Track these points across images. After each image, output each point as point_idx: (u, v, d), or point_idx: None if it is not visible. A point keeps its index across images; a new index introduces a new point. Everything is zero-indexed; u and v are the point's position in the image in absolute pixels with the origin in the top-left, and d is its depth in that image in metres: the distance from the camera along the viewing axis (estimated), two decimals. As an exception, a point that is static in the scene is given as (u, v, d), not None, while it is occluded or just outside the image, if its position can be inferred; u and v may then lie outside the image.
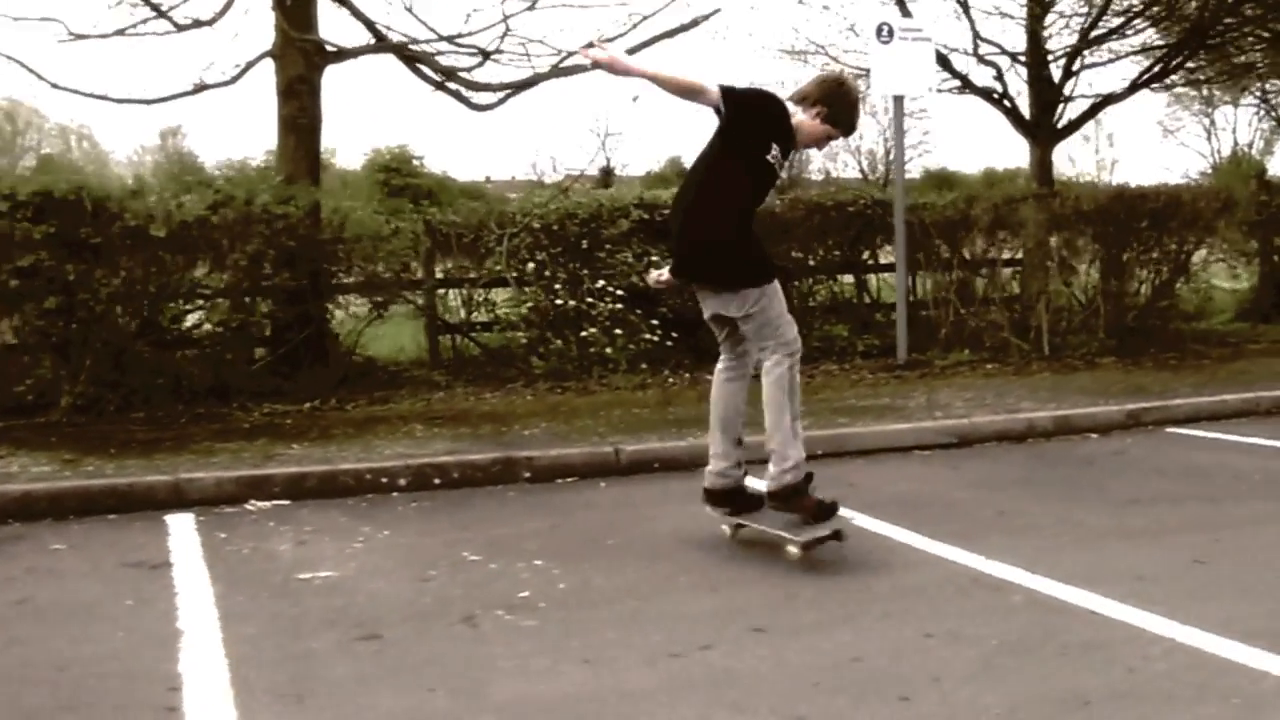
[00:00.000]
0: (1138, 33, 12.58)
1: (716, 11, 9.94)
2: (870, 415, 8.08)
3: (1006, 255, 11.64)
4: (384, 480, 6.58)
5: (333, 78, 10.22)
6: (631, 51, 10.33)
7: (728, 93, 4.85)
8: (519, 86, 10.70)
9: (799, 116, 5.05)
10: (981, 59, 12.72)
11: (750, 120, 4.90)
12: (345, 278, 9.83)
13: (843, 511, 5.63)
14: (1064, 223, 10.84)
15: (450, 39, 9.93)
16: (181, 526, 5.83)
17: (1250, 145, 40.11)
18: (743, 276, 4.95)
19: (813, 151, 18.44)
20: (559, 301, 9.99)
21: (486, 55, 10.04)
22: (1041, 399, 8.64)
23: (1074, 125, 12.74)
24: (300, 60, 9.70)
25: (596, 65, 4.94)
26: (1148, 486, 6.31)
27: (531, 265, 10.19)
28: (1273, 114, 26.78)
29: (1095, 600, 4.33)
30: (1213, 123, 41.63)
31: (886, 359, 10.75)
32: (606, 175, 39.39)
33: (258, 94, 9.73)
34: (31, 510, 6.01)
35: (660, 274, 5.49)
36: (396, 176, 36.07)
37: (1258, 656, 3.71)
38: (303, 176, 9.69)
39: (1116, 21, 12.46)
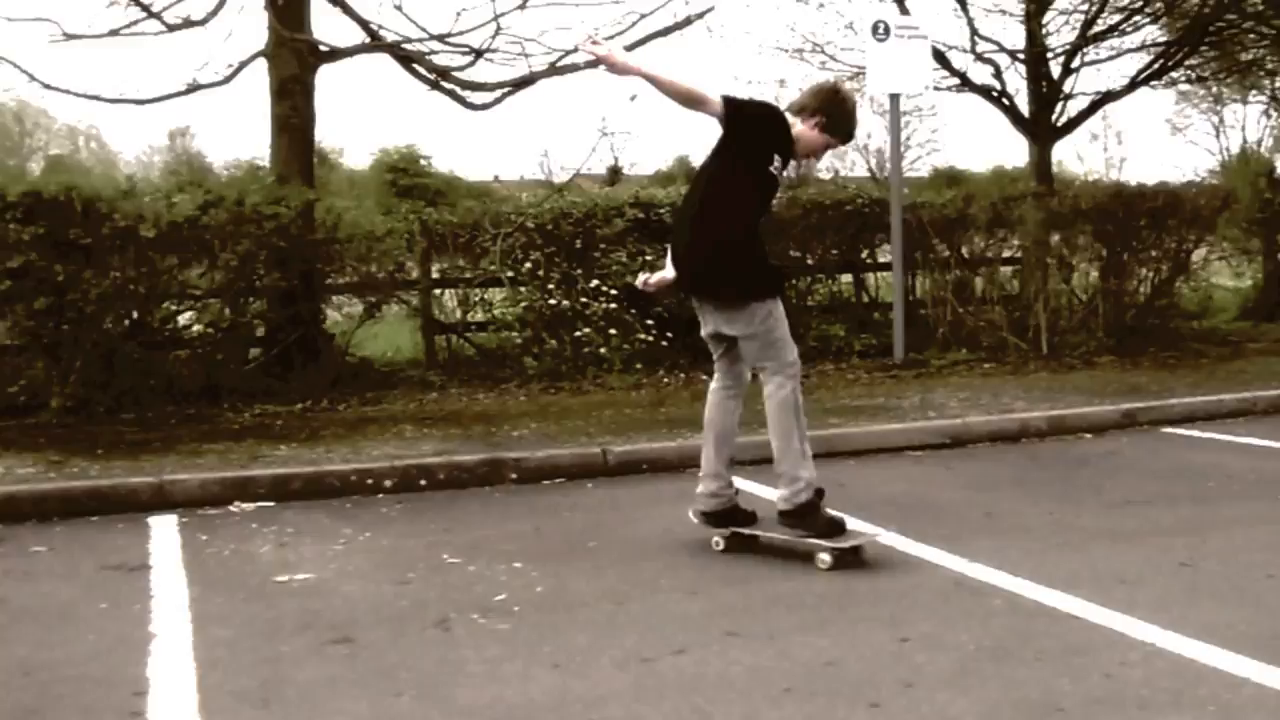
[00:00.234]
0: (1137, 29, 12.50)
1: (710, 10, 9.88)
2: (864, 415, 8.03)
3: (1005, 254, 11.57)
4: (369, 482, 6.54)
5: (338, 78, 10.23)
6: (628, 49, 10.31)
7: (731, 103, 4.78)
8: (515, 85, 10.66)
9: (798, 127, 5.00)
10: (979, 56, 12.66)
11: (753, 131, 4.85)
12: (339, 278, 9.79)
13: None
14: (1062, 221, 10.77)
15: (441, 38, 9.88)
16: (163, 528, 5.80)
17: (1259, 143, 39.92)
18: (750, 291, 4.89)
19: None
20: (553, 301, 9.94)
21: (479, 54, 10.01)
22: (1036, 399, 8.58)
23: (1073, 123, 12.66)
24: (293, 60, 9.67)
25: (595, 60, 4.86)
26: (1140, 487, 6.25)
27: (526, 265, 10.14)
28: (1282, 111, 26.59)
29: (1077, 604, 4.27)
30: (1221, 120, 41.44)
31: (883, 359, 10.70)
32: (615, 174, 39.35)
33: (264, 93, 9.70)
34: (15, 512, 5.98)
35: (650, 277, 5.42)
36: (404, 176, 36.09)
37: (1238, 663, 3.65)
38: (296, 176, 9.67)
39: (1116, 18, 12.38)
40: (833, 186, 14.52)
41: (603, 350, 9.89)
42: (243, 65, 9.67)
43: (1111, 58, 12.79)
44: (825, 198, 11.65)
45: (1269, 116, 32.01)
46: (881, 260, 11.96)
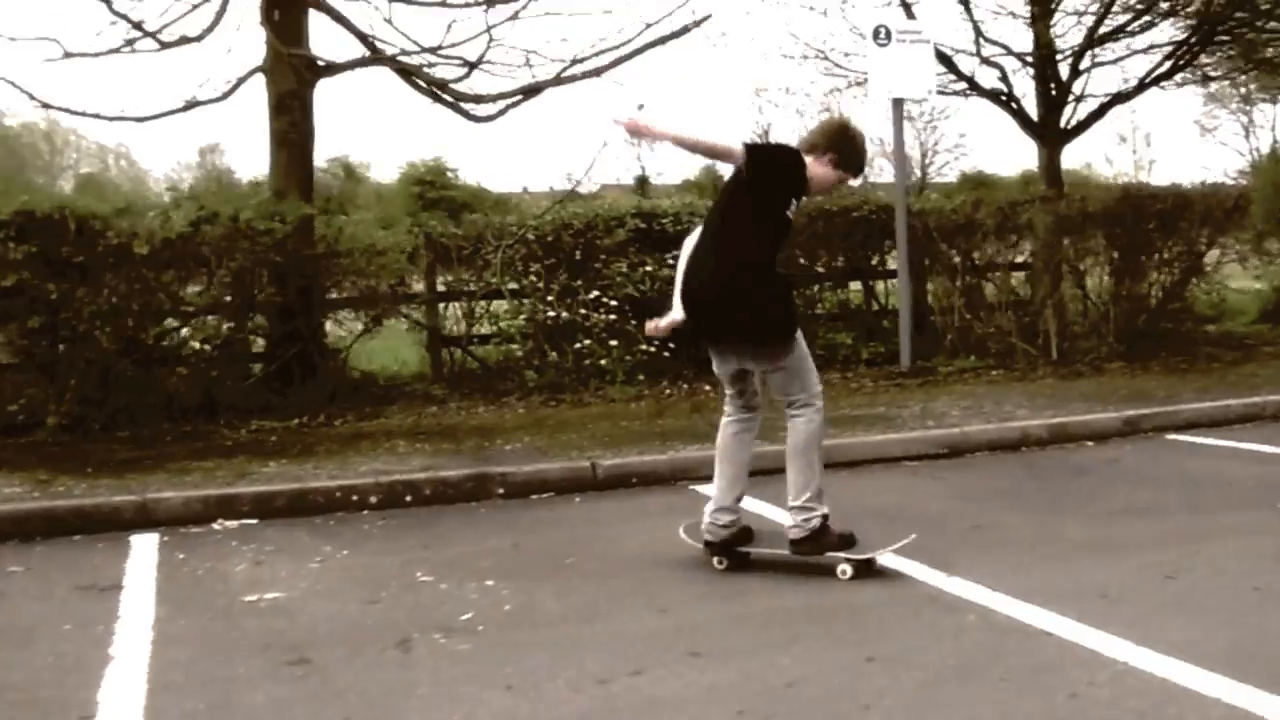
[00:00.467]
0: (1144, 29, 12.29)
1: (708, 17, 9.80)
2: (861, 425, 7.91)
3: (1015, 259, 11.41)
4: (354, 498, 6.50)
5: (360, 92, 10.18)
6: (626, 59, 10.25)
7: (753, 150, 4.74)
8: (516, 96, 10.62)
9: (810, 165, 4.92)
10: (985, 60, 12.49)
11: (776, 177, 4.80)
12: (339, 292, 9.77)
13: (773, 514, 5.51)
14: (1070, 225, 10.60)
15: (433, 50, 9.86)
16: (144, 547, 5.77)
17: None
18: (775, 332, 4.83)
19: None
20: (551, 314, 9.88)
21: (472, 66, 9.96)
22: (1040, 406, 8.43)
23: (1083, 126, 12.47)
24: (290, 75, 9.66)
25: (629, 131, 4.78)
26: (1135, 496, 6.11)
27: (528, 277, 10.10)
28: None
29: (1053, 620, 4.15)
30: (1251, 120, 40.98)
31: (891, 366, 10.57)
32: (642, 184, 39.26)
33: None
34: (-1, 532, 5.98)
35: (659, 322, 5.26)
36: (431, 189, 36.21)
37: (1211, 682, 3.52)
38: (294, 191, 9.65)
39: (1124, 18, 12.18)
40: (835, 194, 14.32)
41: (603, 362, 9.82)
42: (241, 81, 9.68)
43: (1120, 59, 12.60)
44: (831, 204, 11.52)
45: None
46: (891, 267, 11.83)
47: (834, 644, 4.02)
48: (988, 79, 12.43)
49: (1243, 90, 31.00)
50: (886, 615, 4.32)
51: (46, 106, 9.26)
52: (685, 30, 9.71)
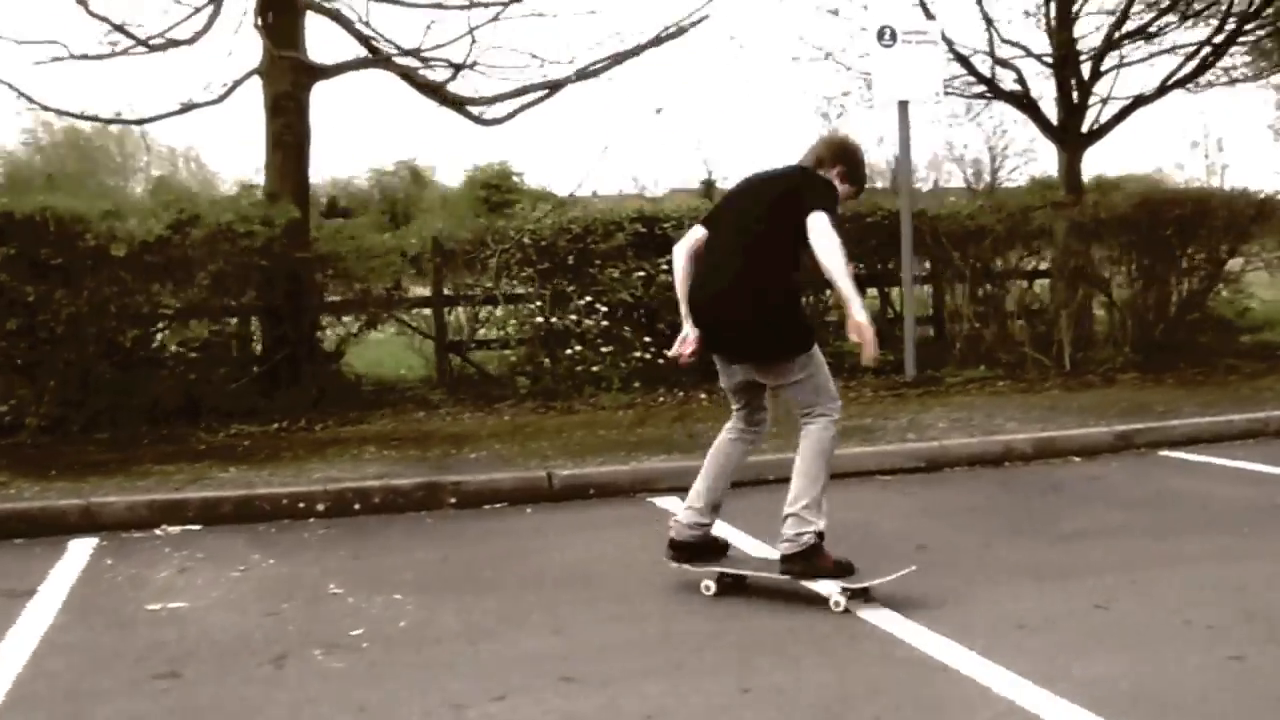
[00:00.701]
0: (1163, 32, 11.82)
1: (705, 18, 9.61)
2: (842, 438, 7.64)
3: (1032, 267, 11.05)
4: (301, 505, 6.41)
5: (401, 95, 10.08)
6: (622, 58, 10.09)
7: (830, 213, 4.48)
8: (520, 99, 10.53)
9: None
10: (1001, 61, 12.11)
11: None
12: (331, 296, 9.74)
13: (745, 544, 5.32)
14: (1085, 232, 10.23)
15: (414, 52, 9.78)
16: (78, 552, 5.74)
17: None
18: (792, 349, 4.64)
19: (918, 163, 18.21)
20: (539, 319, 9.76)
21: (458, 68, 9.87)
22: (1034, 419, 8.12)
23: (1105, 129, 12.04)
24: (285, 77, 9.66)
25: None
26: (1103, 517, 5.81)
27: (523, 283, 9.98)
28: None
29: (956, 653, 3.91)
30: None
31: (896, 376, 10.28)
32: (708, 187, 39.03)
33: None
34: (-56, 534, 5.98)
35: (684, 349, 4.82)
36: (496, 193, 36.43)
37: (1094, 726, 3.28)
38: (288, 193, 9.64)
39: (1148, 16, 11.74)
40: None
41: (596, 369, 9.66)
42: (237, 84, 9.69)
43: (1145, 58, 12.13)
44: (843, 210, 11.23)
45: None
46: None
47: (714, 673, 3.83)
48: (1008, 81, 12.06)
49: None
50: (784, 643, 4.11)
51: (44, 109, 9.32)
52: (681, 31, 9.52)
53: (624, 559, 5.31)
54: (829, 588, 4.49)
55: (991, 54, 11.94)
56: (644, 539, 5.50)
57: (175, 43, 9.12)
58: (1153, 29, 11.77)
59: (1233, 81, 12.28)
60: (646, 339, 9.91)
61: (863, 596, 4.52)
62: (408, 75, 10.24)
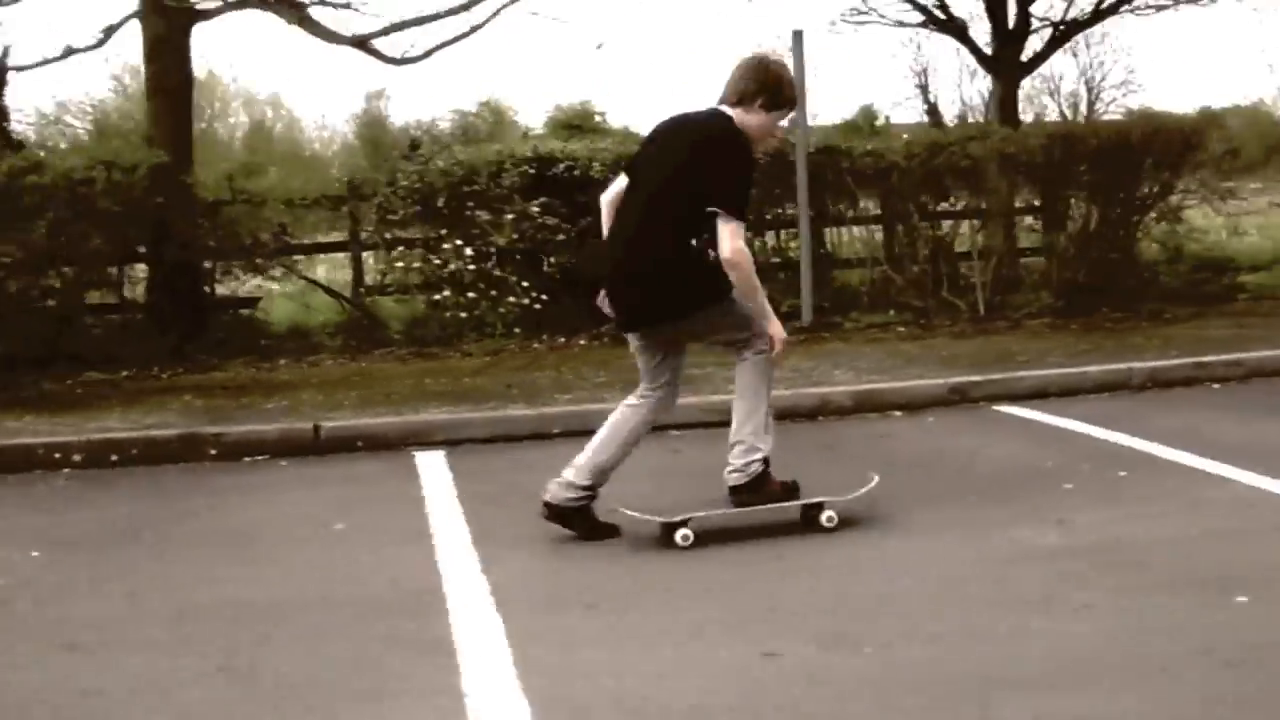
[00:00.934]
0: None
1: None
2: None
3: (954, 206, 10.43)
4: (57, 456, 6.32)
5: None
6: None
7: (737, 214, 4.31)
8: (420, 26, 10.33)
9: (747, 120, 4.44)
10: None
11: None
12: (209, 241, 9.65)
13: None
14: (1004, 170, 9.57)
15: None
16: None
17: None
18: (711, 295, 4.42)
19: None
20: (417, 265, 9.55)
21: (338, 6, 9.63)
22: (885, 369, 7.66)
23: (1040, 58, 11.24)
24: (161, 20, 9.52)
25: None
26: (823, 477, 5.32)
27: (401, 227, 9.79)
28: None
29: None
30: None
31: (794, 322, 9.81)
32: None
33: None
34: None
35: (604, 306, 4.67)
36: (578, 133, 36.22)
37: None
38: (167, 140, 9.54)
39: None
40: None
41: (464, 315, 9.42)
42: (114, 28, 9.62)
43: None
44: (764, 155, 10.72)
45: None
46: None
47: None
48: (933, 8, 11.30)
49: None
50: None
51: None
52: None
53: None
54: (828, 501, 4.60)
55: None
56: (338, 500, 5.29)
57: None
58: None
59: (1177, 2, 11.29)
60: (525, 284, 9.60)
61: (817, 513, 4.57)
62: (294, 17, 10.03)
